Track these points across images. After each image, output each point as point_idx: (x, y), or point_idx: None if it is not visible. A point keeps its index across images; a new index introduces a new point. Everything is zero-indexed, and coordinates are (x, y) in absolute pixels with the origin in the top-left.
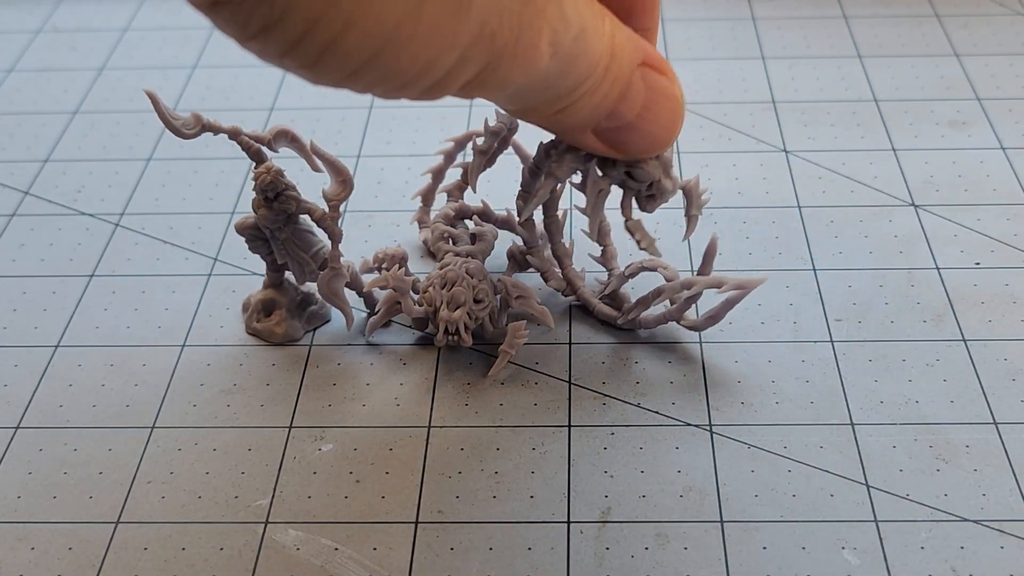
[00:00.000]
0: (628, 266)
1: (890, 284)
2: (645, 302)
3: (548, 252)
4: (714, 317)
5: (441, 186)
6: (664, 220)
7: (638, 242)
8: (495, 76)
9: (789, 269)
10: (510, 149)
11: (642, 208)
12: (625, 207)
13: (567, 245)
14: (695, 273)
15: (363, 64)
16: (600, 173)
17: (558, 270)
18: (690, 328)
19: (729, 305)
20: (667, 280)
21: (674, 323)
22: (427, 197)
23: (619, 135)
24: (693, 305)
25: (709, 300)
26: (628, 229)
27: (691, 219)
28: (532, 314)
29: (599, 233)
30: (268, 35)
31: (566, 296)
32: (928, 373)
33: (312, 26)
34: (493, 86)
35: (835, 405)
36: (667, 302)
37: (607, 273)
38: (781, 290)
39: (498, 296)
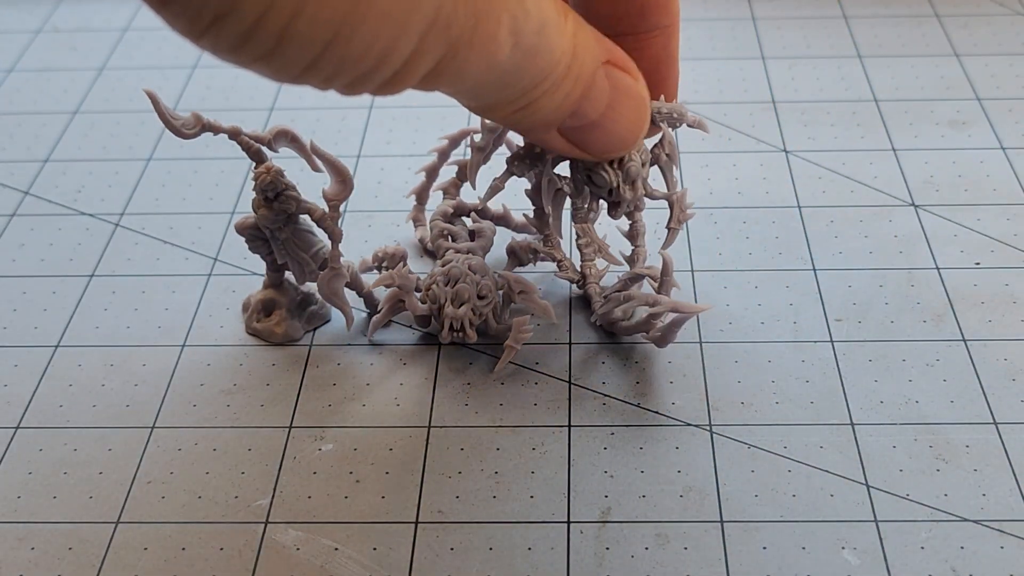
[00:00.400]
0: (626, 272)
1: (890, 284)
2: (614, 301)
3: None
4: (663, 337)
5: (436, 184)
6: (665, 218)
7: (582, 248)
8: (454, 65)
9: (789, 269)
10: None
11: (608, 212)
12: (590, 208)
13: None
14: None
15: (319, 53)
16: (556, 173)
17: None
18: (651, 342)
19: (675, 326)
20: (654, 290)
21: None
22: (421, 196)
23: (583, 134)
24: (659, 320)
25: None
26: (577, 231)
27: (670, 232)
28: (534, 310)
29: (630, 234)
30: (221, 26)
31: (579, 287)
32: (928, 373)
33: (264, 11)
34: (453, 77)
35: (835, 405)
36: (646, 310)
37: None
38: (781, 290)
39: (500, 292)
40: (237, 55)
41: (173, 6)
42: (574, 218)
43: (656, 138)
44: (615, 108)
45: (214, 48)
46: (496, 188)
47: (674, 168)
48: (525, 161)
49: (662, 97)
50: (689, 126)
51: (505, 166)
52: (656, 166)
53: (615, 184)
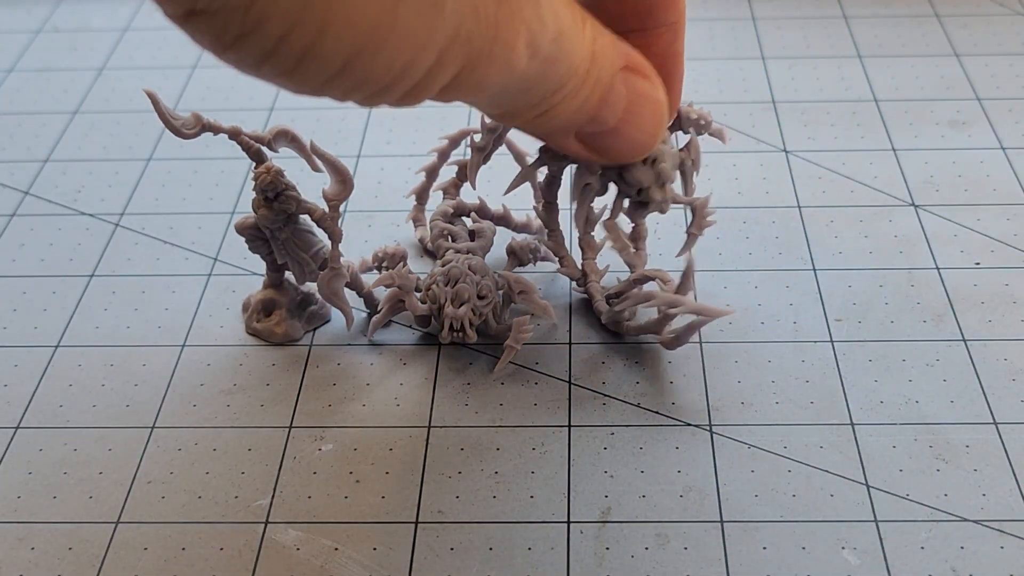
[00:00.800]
0: (633, 273)
1: (890, 284)
2: (633, 299)
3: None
4: (678, 338)
5: (436, 184)
6: (665, 221)
7: (612, 244)
8: (473, 78)
9: (789, 269)
10: (504, 147)
11: (629, 214)
12: (615, 208)
13: (596, 240)
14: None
15: (341, 69)
16: (589, 169)
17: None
18: (662, 344)
19: (692, 329)
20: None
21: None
22: (421, 196)
23: (601, 139)
24: (671, 322)
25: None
26: (604, 227)
27: (690, 237)
28: (534, 310)
29: (632, 236)
30: (245, 43)
31: (579, 285)
32: (928, 373)
33: (288, 31)
34: (471, 89)
35: (835, 405)
36: (655, 311)
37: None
38: (781, 290)
39: (500, 292)
40: (260, 70)
41: (198, 23)
42: (576, 221)
43: (683, 143)
44: (633, 113)
45: (238, 63)
46: (526, 175)
47: (695, 174)
48: (556, 154)
49: (691, 104)
50: (711, 134)
51: (536, 155)
52: (679, 171)
53: (647, 184)
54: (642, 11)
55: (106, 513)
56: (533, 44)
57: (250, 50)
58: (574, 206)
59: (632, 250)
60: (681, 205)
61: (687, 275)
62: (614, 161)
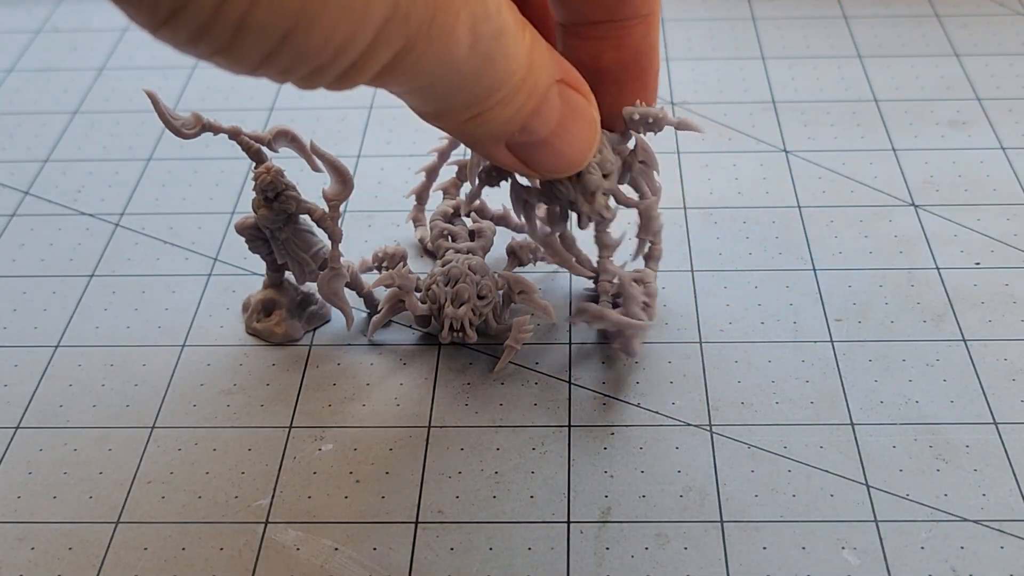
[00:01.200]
0: (627, 272)
1: (890, 284)
2: (575, 315)
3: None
4: (624, 349)
5: (436, 184)
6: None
7: (551, 259)
8: (411, 59)
9: (789, 269)
10: None
11: (577, 223)
12: (560, 217)
13: (615, 236)
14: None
15: (277, 44)
16: (524, 184)
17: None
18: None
19: (629, 339)
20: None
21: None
22: (421, 196)
23: (532, 151)
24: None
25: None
26: (543, 244)
27: (639, 243)
28: (534, 310)
29: (640, 226)
30: (178, 18)
31: (594, 283)
32: (928, 373)
33: (221, 3)
34: (409, 73)
35: (835, 405)
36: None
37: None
38: (781, 290)
39: (500, 292)
40: (196, 47)
41: None
42: (533, 239)
43: (630, 145)
44: (565, 127)
45: (173, 40)
46: (471, 198)
47: (654, 173)
48: (492, 173)
49: (639, 102)
50: (677, 128)
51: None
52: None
53: (573, 199)
54: (611, 2)
55: (106, 513)
56: (474, 32)
57: (185, 25)
58: (528, 229)
59: (574, 262)
60: (674, 207)
61: (626, 295)
62: (544, 175)
